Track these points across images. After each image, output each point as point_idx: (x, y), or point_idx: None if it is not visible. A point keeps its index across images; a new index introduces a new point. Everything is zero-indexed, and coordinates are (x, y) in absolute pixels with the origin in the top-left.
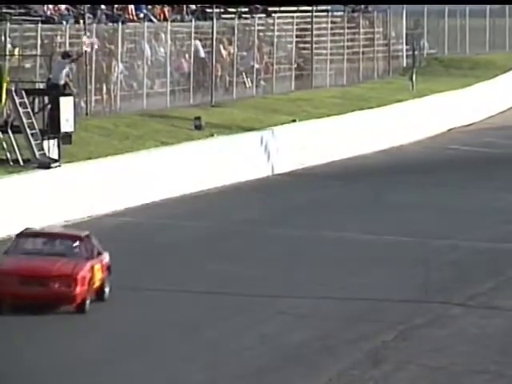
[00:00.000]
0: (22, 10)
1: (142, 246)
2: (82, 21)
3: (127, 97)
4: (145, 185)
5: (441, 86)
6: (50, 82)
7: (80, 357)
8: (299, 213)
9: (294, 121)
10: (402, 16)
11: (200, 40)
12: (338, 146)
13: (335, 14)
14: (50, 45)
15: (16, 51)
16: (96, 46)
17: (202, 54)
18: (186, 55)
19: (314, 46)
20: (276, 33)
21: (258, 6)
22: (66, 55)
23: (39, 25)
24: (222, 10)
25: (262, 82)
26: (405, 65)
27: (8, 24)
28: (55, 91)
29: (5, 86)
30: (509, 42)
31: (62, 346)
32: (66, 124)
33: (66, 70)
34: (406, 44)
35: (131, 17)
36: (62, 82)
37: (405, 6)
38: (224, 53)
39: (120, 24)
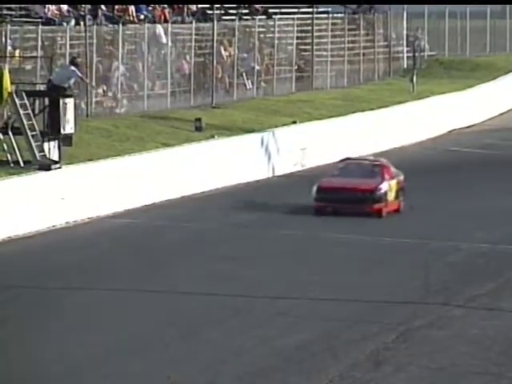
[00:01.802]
0: (23, 12)
1: (142, 248)
2: (82, 22)
3: (128, 98)
4: (145, 186)
5: (441, 87)
6: (51, 84)
7: (79, 357)
8: (299, 214)
9: (294, 122)
10: (402, 17)
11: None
12: (338, 148)
13: (336, 15)
14: (50, 46)
15: (16, 53)
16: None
17: (164, 40)
18: (187, 56)
19: (315, 47)
20: (276, 34)
21: (258, 7)
22: (74, 63)
23: (40, 26)
24: (222, 12)
25: (262, 84)
26: (405, 66)
27: (8, 26)
28: (56, 93)
29: (6, 87)
30: (509, 43)
31: (61, 345)
32: (67, 125)
33: (74, 79)
34: (407, 45)
35: (132, 18)
36: (66, 85)
37: (405, 7)
38: (224, 54)
39: (120, 25)
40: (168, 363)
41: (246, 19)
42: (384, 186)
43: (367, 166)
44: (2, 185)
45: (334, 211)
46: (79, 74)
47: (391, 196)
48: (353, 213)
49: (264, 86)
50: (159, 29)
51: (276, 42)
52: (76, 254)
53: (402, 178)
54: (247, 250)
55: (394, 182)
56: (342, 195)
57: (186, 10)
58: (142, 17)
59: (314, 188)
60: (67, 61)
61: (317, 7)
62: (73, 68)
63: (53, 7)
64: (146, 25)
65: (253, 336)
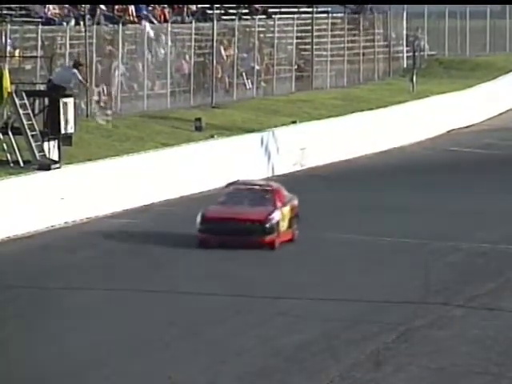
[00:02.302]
0: (23, 12)
1: (142, 247)
2: (82, 22)
3: (128, 98)
4: (145, 186)
5: (441, 87)
6: (51, 84)
7: (79, 357)
8: (300, 214)
9: (294, 122)
10: (402, 17)
11: (151, 22)
12: (338, 148)
13: (335, 15)
14: (50, 46)
15: (16, 53)
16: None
17: (152, 34)
18: (187, 56)
19: (315, 47)
20: (276, 34)
21: (257, 7)
22: (77, 64)
23: (40, 26)
24: (222, 12)
25: (262, 84)
26: (405, 66)
27: (8, 25)
28: (55, 93)
29: (6, 87)
30: (509, 43)
31: (61, 345)
32: (67, 125)
33: (75, 81)
34: (407, 45)
35: (131, 18)
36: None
37: (405, 7)
38: (224, 54)
39: (120, 25)
40: (168, 363)
41: (246, 19)
42: (276, 215)
43: (257, 192)
44: (1, 185)
45: (220, 243)
46: (80, 78)
47: (284, 225)
48: (242, 245)
49: (264, 86)
50: (147, 26)
51: (276, 41)
52: (76, 253)
53: (296, 203)
54: (247, 249)
55: (287, 209)
56: (229, 226)
57: (185, 9)
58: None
59: (198, 218)
60: (67, 61)
61: (316, 7)
62: (74, 71)
63: (52, 7)
64: (146, 23)
65: (253, 336)
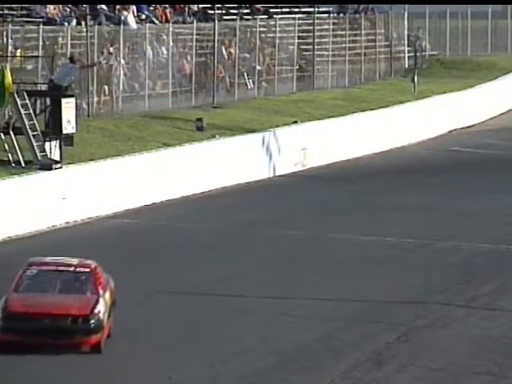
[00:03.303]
0: (24, 12)
1: (143, 248)
2: (83, 22)
3: (129, 98)
4: (146, 186)
5: (442, 87)
6: (52, 84)
7: (80, 356)
8: (300, 214)
9: (295, 122)
10: (403, 17)
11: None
12: (339, 148)
13: (336, 15)
14: (51, 46)
15: (18, 52)
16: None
17: (135, 25)
18: (188, 56)
19: (316, 47)
20: (278, 34)
21: (259, 7)
22: (74, 59)
23: (41, 26)
24: (223, 12)
25: (263, 84)
26: (406, 66)
27: (10, 25)
28: (57, 93)
29: (8, 87)
30: (510, 43)
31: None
32: (68, 125)
33: (74, 76)
34: (408, 45)
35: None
36: (65, 84)
37: (407, 7)
38: (226, 54)
39: (122, 25)
40: (168, 363)
41: (247, 19)
42: (101, 307)
43: (71, 274)
44: (3, 184)
45: (27, 346)
46: (77, 66)
47: (106, 317)
48: (57, 348)
49: (265, 86)
50: (125, 15)
51: (277, 41)
52: (76, 254)
53: (113, 286)
54: (248, 250)
55: (108, 296)
56: (40, 324)
57: (187, 10)
58: (143, 17)
59: None
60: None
61: (318, 7)
62: (72, 65)
63: (52, 7)
64: (148, 25)
65: (253, 336)
